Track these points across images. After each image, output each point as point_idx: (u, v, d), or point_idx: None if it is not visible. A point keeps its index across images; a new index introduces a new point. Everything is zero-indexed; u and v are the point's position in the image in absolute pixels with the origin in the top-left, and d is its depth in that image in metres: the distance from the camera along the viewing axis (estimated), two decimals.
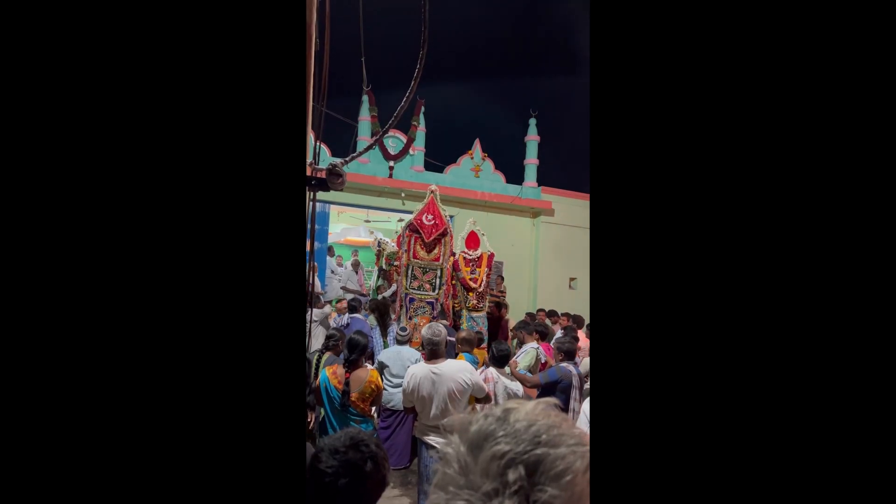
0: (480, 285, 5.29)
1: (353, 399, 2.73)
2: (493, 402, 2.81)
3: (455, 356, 3.33)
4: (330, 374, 2.82)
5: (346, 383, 2.74)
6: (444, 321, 4.58)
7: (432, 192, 5.09)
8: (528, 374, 3.83)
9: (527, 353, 4.21)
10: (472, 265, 5.31)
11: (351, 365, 2.79)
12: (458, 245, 5.40)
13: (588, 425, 2.09)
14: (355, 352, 2.80)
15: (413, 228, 5.02)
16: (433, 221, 4.96)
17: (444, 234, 4.99)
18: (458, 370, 2.58)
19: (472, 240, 5.49)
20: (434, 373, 2.55)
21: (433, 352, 2.63)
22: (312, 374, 3.08)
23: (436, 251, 5.00)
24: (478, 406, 2.75)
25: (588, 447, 0.42)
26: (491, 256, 5.46)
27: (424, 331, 2.70)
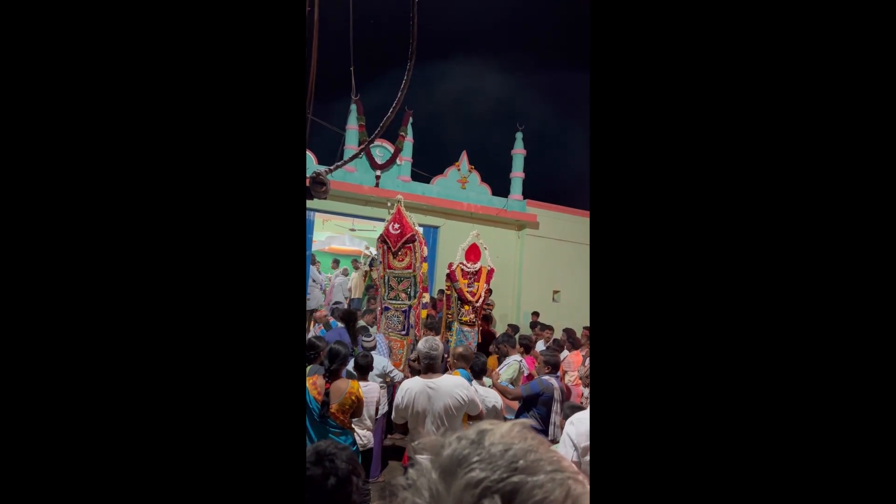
0: (478, 300, 5.22)
1: (332, 411, 2.68)
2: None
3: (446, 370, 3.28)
4: (309, 384, 2.76)
5: (327, 394, 2.69)
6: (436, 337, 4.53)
7: (397, 201, 5.07)
8: (510, 387, 3.82)
9: (509, 366, 4.20)
10: (470, 278, 5.22)
11: (331, 375, 2.74)
12: (458, 256, 5.35)
13: (571, 448, 2.04)
14: (336, 362, 2.75)
15: (382, 240, 5.00)
16: (399, 230, 4.92)
17: (411, 241, 4.88)
18: (455, 385, 2.51)
19: (473, 252, 5.36)
20: (430, 388, 2.47)
21: (429, 366, 2.55)
22: None
23: (407, 260, 4.94)
24: (470, 424, 2.68)
25: (567, 473, 0.39)
26: (491, 272, 5.37)
27: (421, 344, 2.63)
